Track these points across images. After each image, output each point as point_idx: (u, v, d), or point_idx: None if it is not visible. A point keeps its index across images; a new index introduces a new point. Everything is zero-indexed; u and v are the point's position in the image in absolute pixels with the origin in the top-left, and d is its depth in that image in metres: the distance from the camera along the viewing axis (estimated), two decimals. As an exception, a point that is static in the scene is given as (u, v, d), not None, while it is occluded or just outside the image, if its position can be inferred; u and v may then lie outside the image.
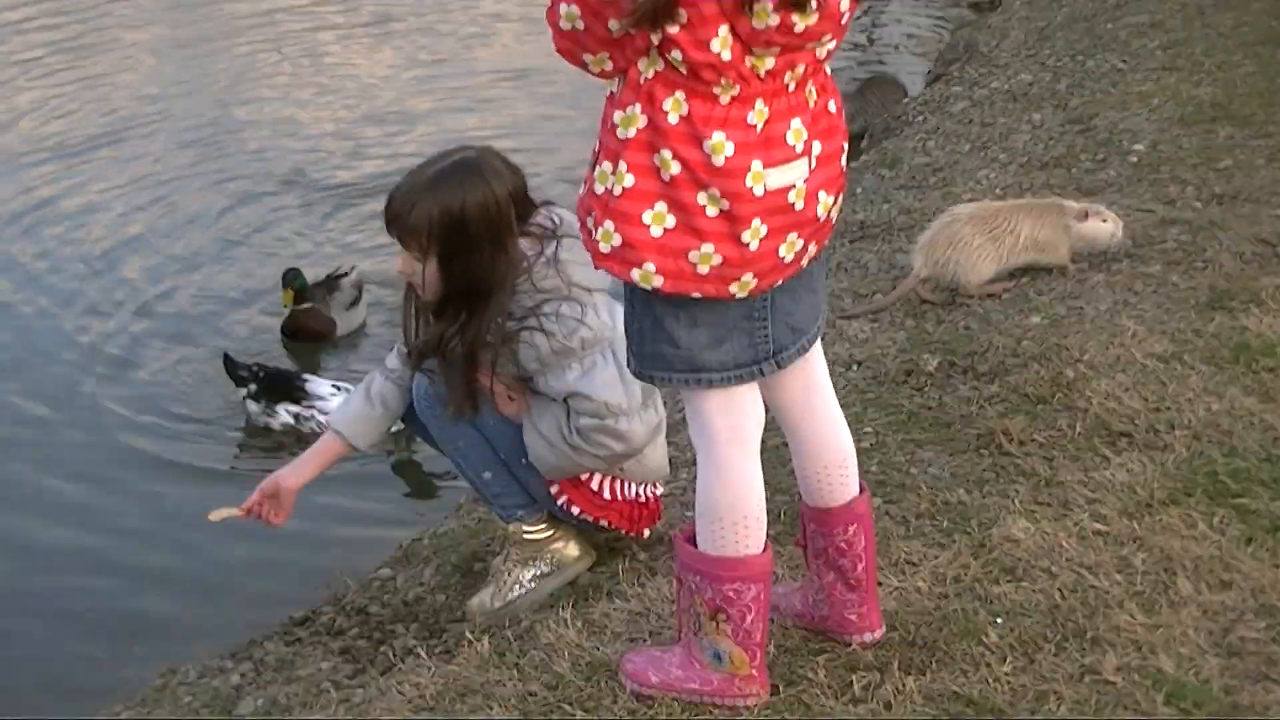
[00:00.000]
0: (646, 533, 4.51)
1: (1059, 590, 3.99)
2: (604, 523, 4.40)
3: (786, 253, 3.22)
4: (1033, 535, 4.23)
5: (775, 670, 3.72)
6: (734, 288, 3.21)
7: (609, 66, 3.19)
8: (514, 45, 12.26)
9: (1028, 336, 5.55)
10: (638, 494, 4.44)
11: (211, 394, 7.32)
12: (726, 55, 3.06)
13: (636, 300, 3.35)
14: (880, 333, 5.95)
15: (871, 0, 12.78)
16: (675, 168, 3.10)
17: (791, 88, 3.16)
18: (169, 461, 6.77)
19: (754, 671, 3.60)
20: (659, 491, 4.53)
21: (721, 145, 3.08)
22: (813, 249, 3.32)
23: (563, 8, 3.12)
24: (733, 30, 3.05)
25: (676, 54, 3.08)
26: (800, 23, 3.05)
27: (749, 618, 3.52)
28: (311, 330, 7.75)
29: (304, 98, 11.38)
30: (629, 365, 3.46)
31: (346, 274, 7.98)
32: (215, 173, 10.05)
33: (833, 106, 3.27)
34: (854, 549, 3.71)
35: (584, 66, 3.23)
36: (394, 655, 4.40)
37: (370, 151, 10.22)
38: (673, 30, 3.06)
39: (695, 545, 3.56)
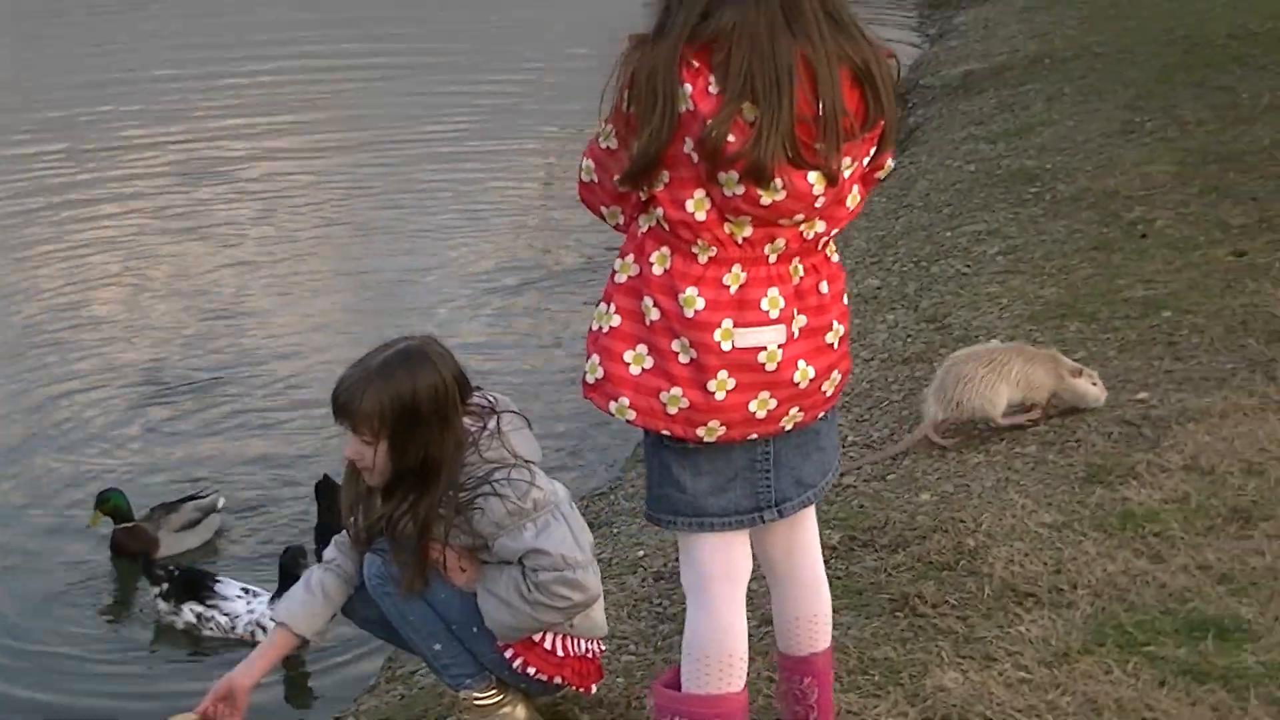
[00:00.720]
0: (594, 689, 4.66)
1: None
2: (557, 680, 4.55)
3: (758, 409, 3.49)
4: (962, 684, 4.49)
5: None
6: (701, 431, 3.48)
7: (620, 220, 3.52)
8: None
9: (921, 511, 5.85)
10: (586, 650, 4.61)
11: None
12: (701, 216, 3.41)
13: (648, 446, 3.63)
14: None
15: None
16: (655, 314, 3.44)
17: (773, 259, 3.47)
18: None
19: None
20: (601, 649, 4.69)
21: (693, 299, 3.41)
22: (796, 413, 3.58)
23: (583, 161, 3.49)
24: (709, 195, 3.37)
25: (659, 211, 3.44)
26: (766, 197, 3.38)
27: None
28: (129, 549, 7.63)
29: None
30: (644, 512, 3.74)
31: (203, 497, 7.97)
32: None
33: (824, 288, 3.57)
34: (808, 698, 4.00)
35: (602, 218, 3.56)
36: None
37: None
38: (657, 189, 3.40)
39: (677, 689, 3.75)
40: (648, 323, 3.46)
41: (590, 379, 3.55)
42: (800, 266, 3.49)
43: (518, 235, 12.71)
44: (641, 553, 6.03)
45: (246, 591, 6.96)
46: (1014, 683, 4.49)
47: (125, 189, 14.31)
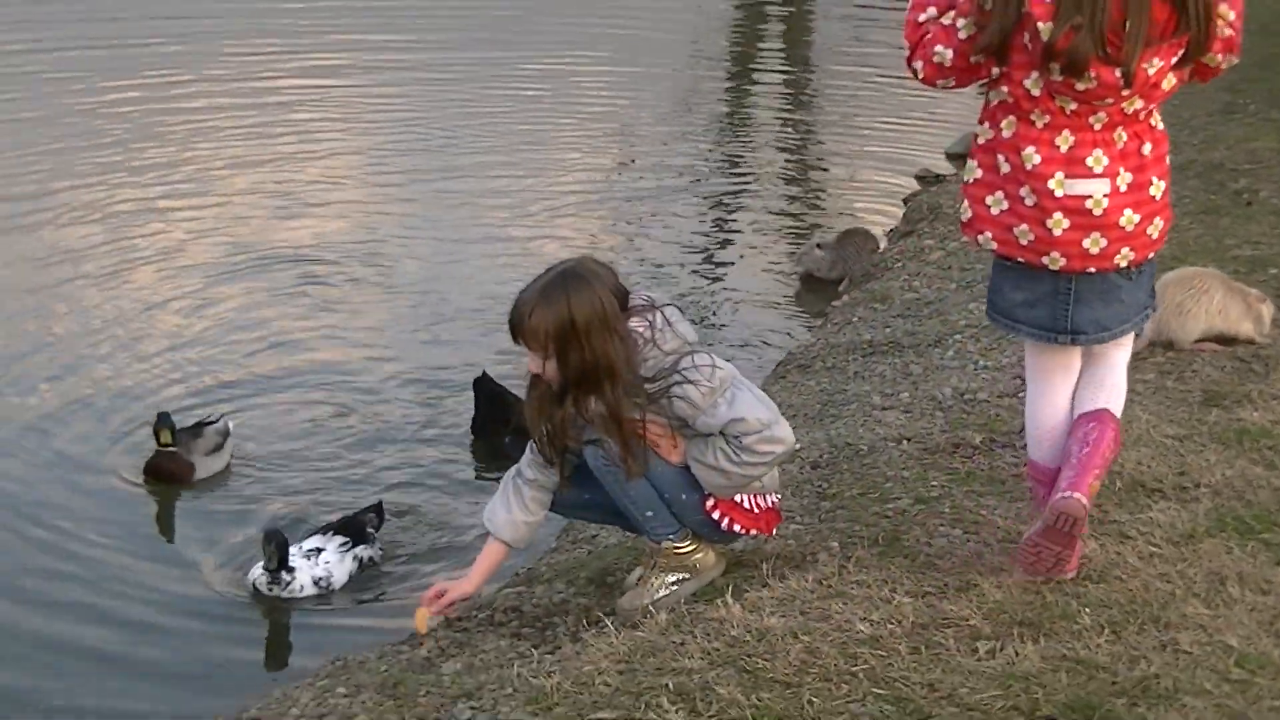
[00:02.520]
0: (774, 530, 5.34)
1: (1132, 590, 4.88)
2: (753, 531, 5.24)
3: (1091, 246, 4.49)
4: (1100, 554, 5.13)
5: (911, 638, 4.58)
6: (1046, 260, 4.52)
7: (952, 84, 4.54)
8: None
9: (1054, 421, 6.49)
10: (772, 503, 5.30)
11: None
12: (1036, 92, 4.43)
13: (994, 267, 4.68)
14: (921, 417, 6.88)
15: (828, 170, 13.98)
16: (1006, 168, 4.48)
17: (1097, 127, 4.41)
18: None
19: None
20: (778, 499, 5.37)
21: (1031, 156, 4.44)
22: (1128, 252, 4.53)
23: (935, 48, 4.47)
24: (1041, 77, 4.38)
25: (1005, 89, 4.46)
26: (1080, 84, 4.33)
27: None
28: (168, 471, 7.86)
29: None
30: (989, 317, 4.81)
31: (214, 422, 8.18)
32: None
33: (1145, 150, 4.48)
34: (1088, 438, 4.77)
35: (934, 85, 4.58)
36: (565, 635, 5.16)
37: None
38: (1005, 68, 4.41)
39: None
40: (1001, 174, 4.47)
41: (964, 218, 4.65)
42: (1124, 133, 4.41)
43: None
44: (799, 446, 6.68)
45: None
46: (1146, 556, 5.12)
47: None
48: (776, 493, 5.32)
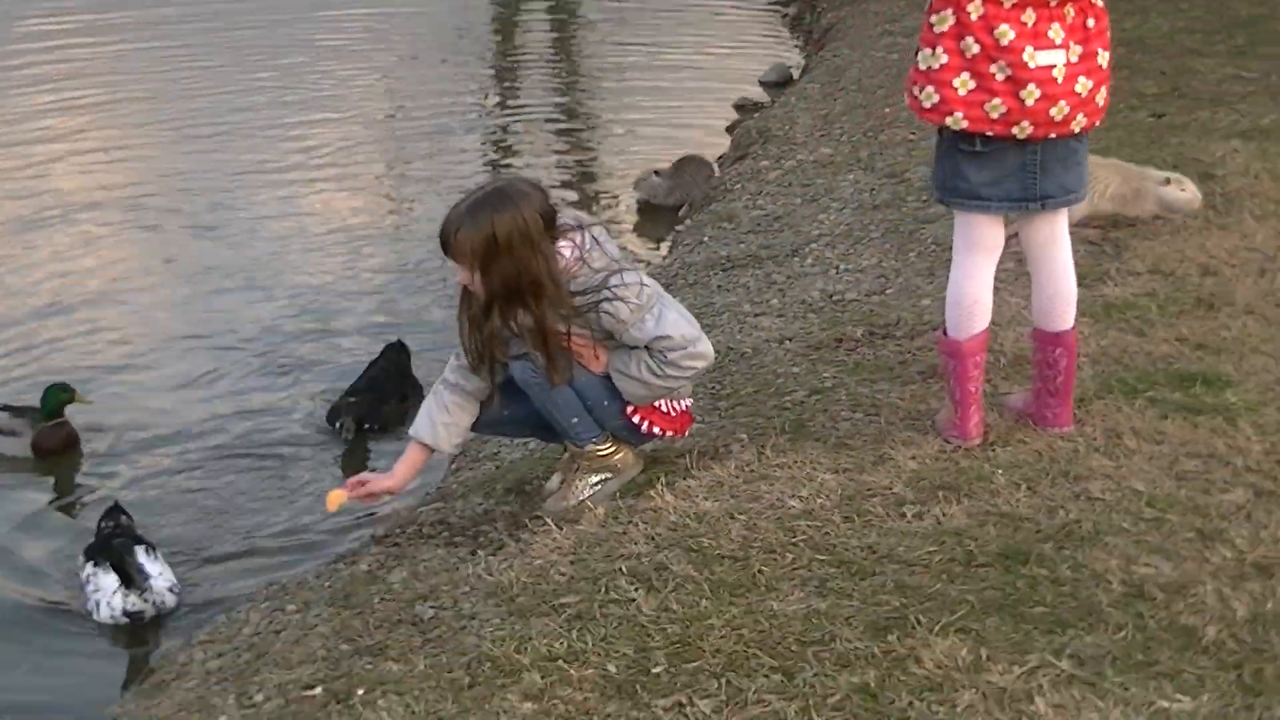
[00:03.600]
0: (687, 432, 5.54)
1: (1038, 450, 5.18)
2: (669, 433, 5.43)
3: (1056, 114, 4.76)
4: (1000, 422, 5.42)
5: (841, 508, 4.85)
6: (1015, 130, 4.76)
7: None
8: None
9: (927, 311, 6.79)
10: (686, 407, 5.49)
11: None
12: None
13: (943, 151, 4.92)
14: (795, 319, 7.13)
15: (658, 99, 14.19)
16: (975, 48, 4.73)
17: (1053, 3, 4.72)
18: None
19: (958, 421, 5.16)
20: (689, 404, 5.56)
21: (1005, 32, 4.70)
22: (1081, 119, 4.81)
23: None
24: None
25: None
26: None
27: (951, 382, 5.16)
28: (59, 443, 7.51)
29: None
30: (938, 199, 5.11)
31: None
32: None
33: (1090, 23, 4.79)
34: (1058, 365, 5.22)
35: None
36: (501, 539, 5.30)
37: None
38: None
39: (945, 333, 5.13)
40: (968, 56, 4.73)
41: (927, 104, 4.84)
42: (1072, 10, 4.74)
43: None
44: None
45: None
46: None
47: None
48: (689, 397, 5.51)
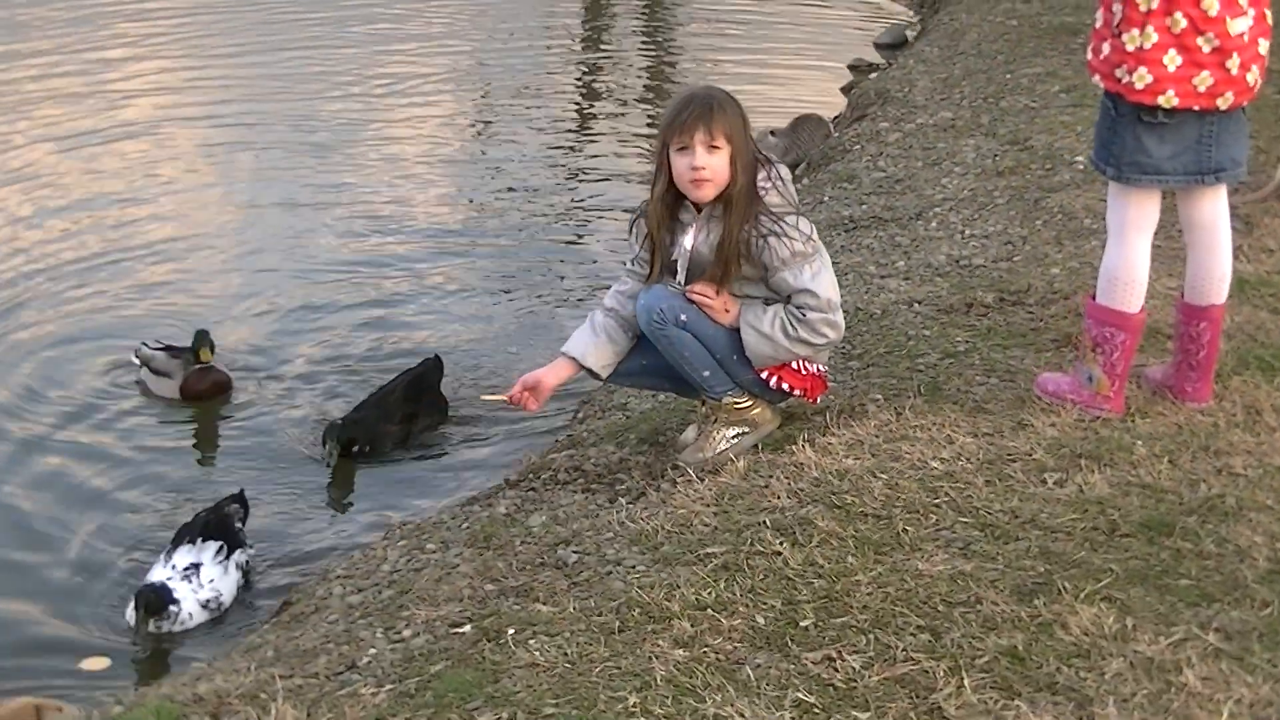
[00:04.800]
0: (818, 399, 5.57)
1: (1178, 423, 5.18)
2: (798, 391, 5.46)
3: (1251, 80, 4.87)
4: (1138, 394, 5.42)
5: (983, 472, 4.85)
6: (1219, 101, 4.83)
7: None
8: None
9: (1056, 280, 6.78)
10: (819, 371, 5.52)
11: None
12: None
13: (1121, 126, 4.94)
14: (923, 282, 7.14)
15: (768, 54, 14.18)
16: (1183, 22, 4.77)
17: None
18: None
19: (1112, 394, 5.13)
20: (825, 369, 5.59)
21: (1212, 4, 4.77)
22: (1260, 83, 4.90)
23: None
24: None
25: None
26: None
27: (1116, 355, 5.08)
28: (210, 388, 7.62)
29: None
30: (1111, 175, 5.04)
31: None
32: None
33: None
34: (1201, 340, 5.24)
35: None
36: (639, 487, 5.36)
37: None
38: None
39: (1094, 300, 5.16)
40: (1176, 32, 4.77)
41: (1139, 85, 4.85)
42: None
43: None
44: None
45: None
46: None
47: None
48: (824, 365, 5.54)
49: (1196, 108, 4.85)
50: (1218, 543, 4.38)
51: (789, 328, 5.21)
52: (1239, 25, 4.80)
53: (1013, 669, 3.82)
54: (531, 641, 4.13)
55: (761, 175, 5.19)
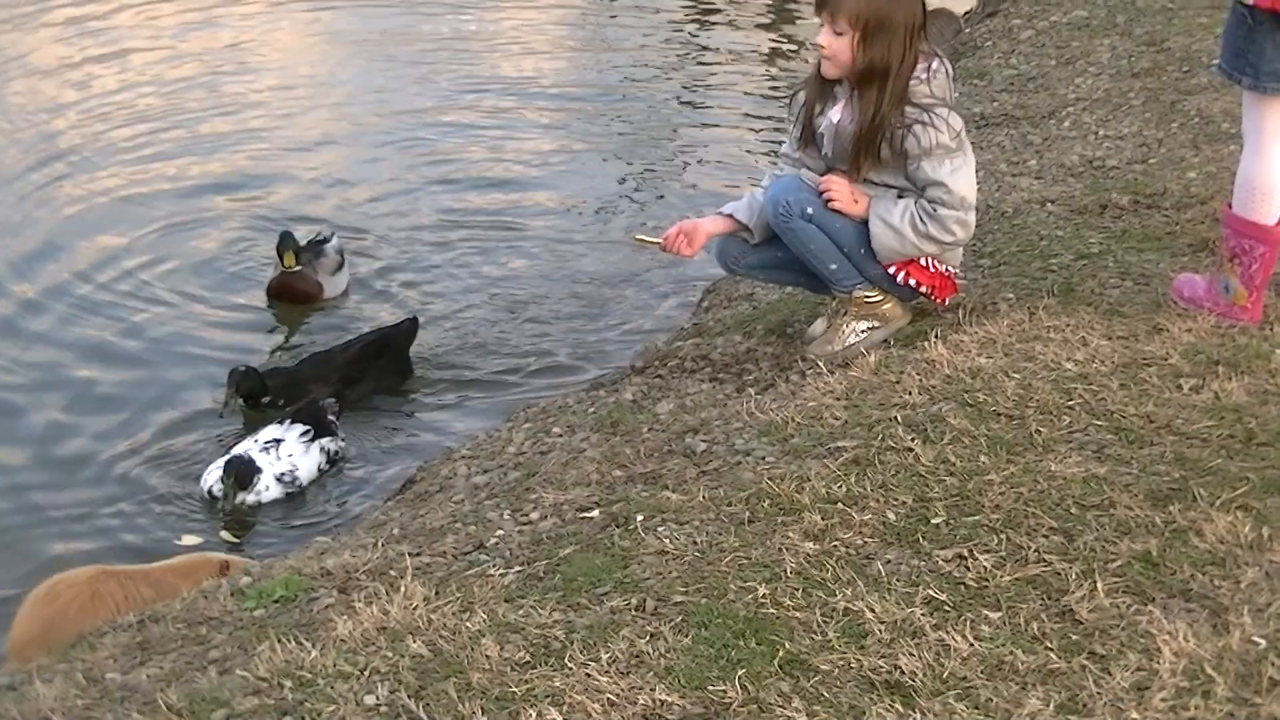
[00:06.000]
0: (947, 300, 5.52)
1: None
2: (925, 289, 5.42)
3: None
4: (1277, 301, 5.31)
5: (1117, 375, 4.79)
6: None
7: None
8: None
9: (1193, 184, 6.66)
10: (949, 270, 5.46)
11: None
12: None
13: (1263, 34, 4.75)
14: (1055, 182, 7.04)
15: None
16: None
17: None
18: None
19: (1249, 305, 5.03)
20: (956, 271, 5.53)
21: None
22: None
23: None
24: None
25: None
26: None
27: (1254, 266, 4.97)
28: (300, 292, 7.73)
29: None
30: (1248, 85, 4.86)
31: (328, 239, 8.03)
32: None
33: None
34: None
35: None
36: (768, 378, 5.35)
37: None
38: None
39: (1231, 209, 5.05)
40: None
41: None
42: None
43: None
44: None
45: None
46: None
47: None
48: (953, 266, 5.47)
49: None
50: (1360, 454, 4.29)
51: (919, 222, 5.16)
52: None
53: (1146, 574, 3.77)
54: (660, 529, 4.14)
55: (921, 66, 5.10)
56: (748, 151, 9.91)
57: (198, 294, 7.96)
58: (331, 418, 6.38)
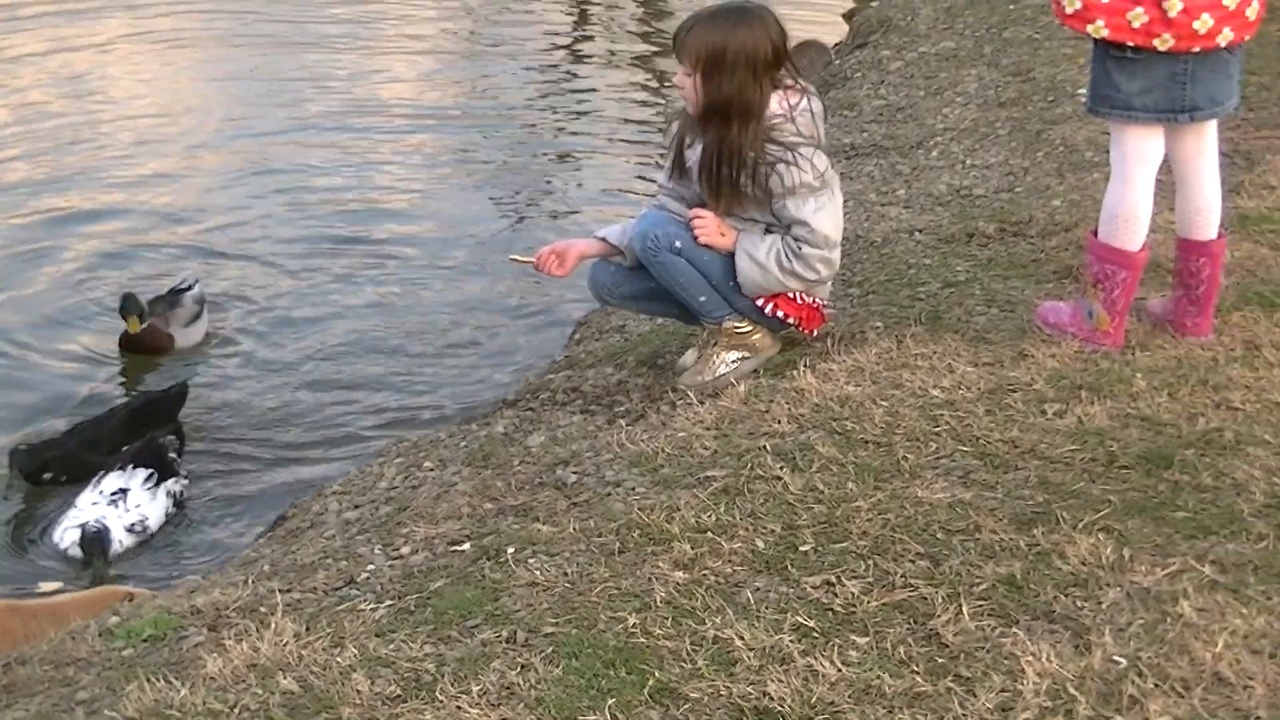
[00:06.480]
0: (815, 331, 5.58)
1: (1176, 357, 5.18)
2: (793, 320, 5.47)
3: (1200, 27, 4.70)
4: (1139, 327, 5.42)
5: (983, 401, 4.86)
6: (1156, 42, 4.73)
7: None
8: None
9: (1057, 212, 6.78)
10: (817, 302, 5.52)
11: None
12: None
13: (1095, 59, 4.87)
14: (924, 211, 7.13)
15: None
16: None
17: None
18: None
19: (1112, 330, 5.12)
20: (824, 303, 5.59)
21: None
22: (1228, 32, 4.74)
23: None
24: None
25: None
26: None
27: (1116, 292, 5.05)
28: (149, 346, 7.48)
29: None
30: (1107, 114, 4.96)
31: (189, 287, 7.75)
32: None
33: None
34: (1200, 275, 5.21)
35: None
36: (639, 409, 5.37)
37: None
38: None
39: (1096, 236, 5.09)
40: None
41: (1069, 10, 4.82)
42: None
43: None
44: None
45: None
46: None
47: None
48: (824, 298, 5.53)
49: (1130, 43, 4.78)
50: (1215, 476, 4.38)
51: (784, 259, 5.22)
52: None
53: (1010, 597, 3.82)
54: (531, 560, 4.14)
55: (784, 103, 5.14)
56: (621, 179, 9.95)
57: (38, 336, 7.70)
58: (173, 455, 6.29)
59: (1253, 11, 4.79)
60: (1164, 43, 4.73)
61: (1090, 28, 4.79)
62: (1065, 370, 5.08)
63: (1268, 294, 5.64)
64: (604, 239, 5.50)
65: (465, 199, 9.46)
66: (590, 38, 13.49)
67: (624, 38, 13.30)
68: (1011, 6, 10.90)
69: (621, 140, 10.84)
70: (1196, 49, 4.75)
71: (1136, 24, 4.72)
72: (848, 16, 12.87)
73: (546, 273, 5.53)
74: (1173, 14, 4.68)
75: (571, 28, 13.68)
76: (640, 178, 9.73)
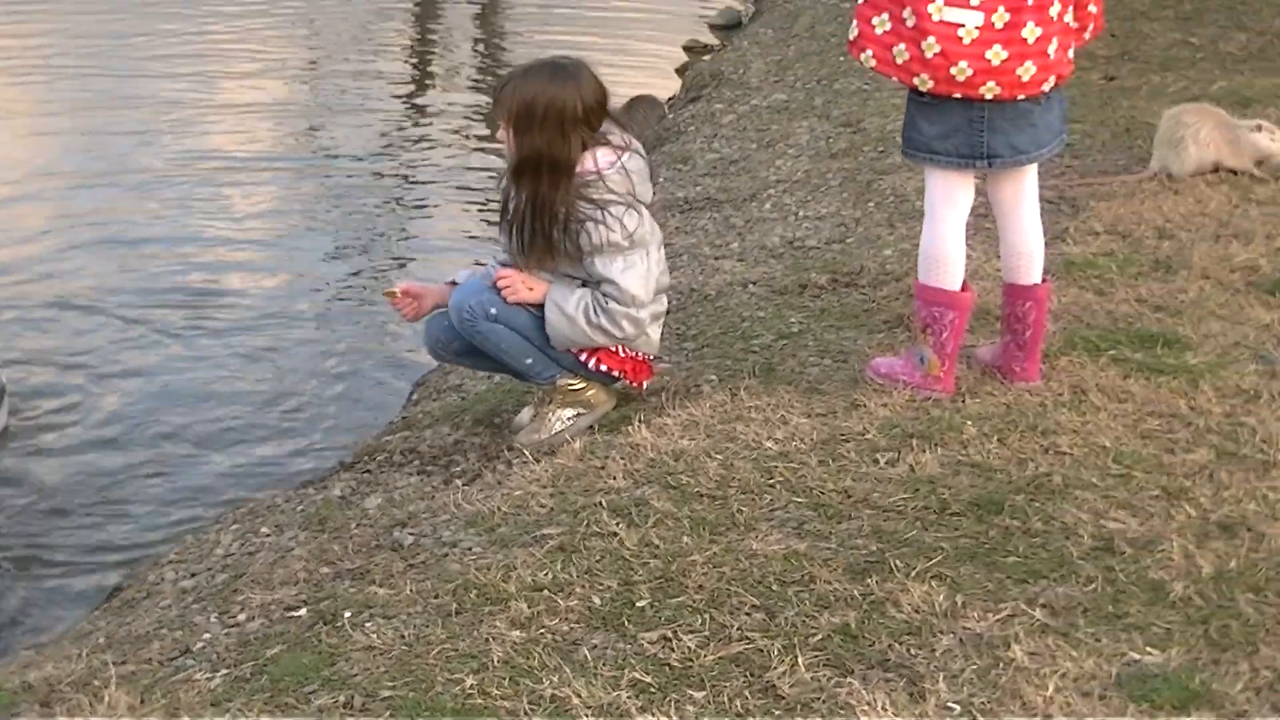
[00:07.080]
0: (645, 384, 5.61)
1: (1005, 403, 5.27)
2: (617, 373, 5.49)
3: (957, 74, 4.78)
4: (968, 374, 5.51)
5: (816, 452, 4.90)
6: (916, 80, 4.84)
7: None
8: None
9: (889, 261, 6.88)
10: (643, 355, 5.55)
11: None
12: None
13: (908, 102, 4.98)
14: (757, 264, 7.20)
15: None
16: None
17: None
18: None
19: (942, 374, 5.16)
20: (652, 358, 5.63)
21: None
22: (993, 85, 4.80)
23: None
24: None
25: None
26: None
27: (945, 334, 5.09)
28: None
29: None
30: (913, 157, 5.11)
31: None
32: None
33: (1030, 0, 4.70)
34: (1026, 320, 5.30)
35: None
36: (475, 468, 5.36)
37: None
38: None
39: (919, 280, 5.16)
40: None
41: (850, 37, 4.91)
42: None
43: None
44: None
45: None
46: (1009, 373, 5.51)
47: None
48: (651, 352, 5.56)
49: (894, 79, 4.95)
50: (1045, 520, 4.45)
51: (591, 313, 5.26)
52: (953, 15, 4.71)
53: (845, 647, 3.85)
54: (368, 624, 4.10)
55: (595, 160, 5.18)
56: (467, 226, 9.94)
57: None
58: None
59: (1026, 73, 4.82)
60: (924, 83, 4.81)
61: (862, 56, 4.91)
62: (897, 419, 5.14)
63: (1093, 339, 5.76)
64: (454, 282, 5.49)
65: (305, 252, 9.36)
66: (431, 87, 13.50)
67: (463, 90, 13.33)
68: (842, 58, 11.03)
69: (464, 188, 10.82)
70: (956, 95, 4.82)
71: (899, 60, 4.82)
72: (680, 70, 12.97)
73: (400, 313, 5.52)
74: (929, 55, 4.75)
75: (411, 81, 13.66)
76: (485, 221, 9.69)
